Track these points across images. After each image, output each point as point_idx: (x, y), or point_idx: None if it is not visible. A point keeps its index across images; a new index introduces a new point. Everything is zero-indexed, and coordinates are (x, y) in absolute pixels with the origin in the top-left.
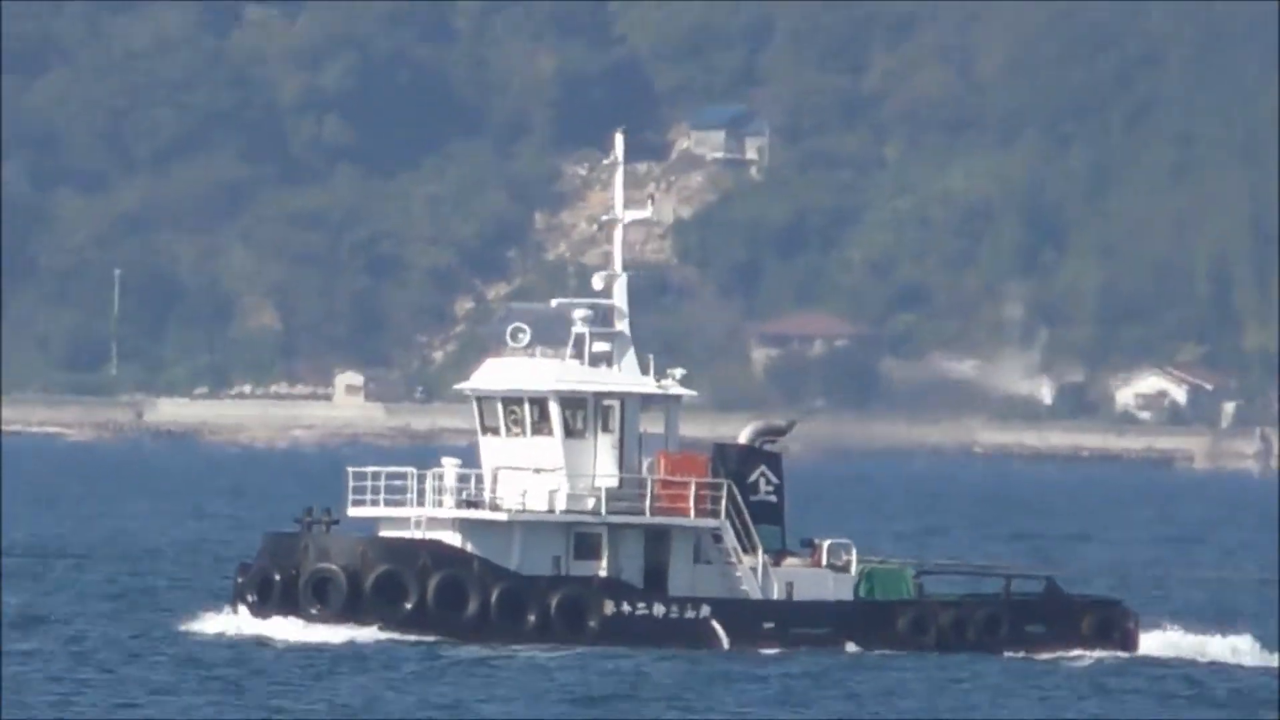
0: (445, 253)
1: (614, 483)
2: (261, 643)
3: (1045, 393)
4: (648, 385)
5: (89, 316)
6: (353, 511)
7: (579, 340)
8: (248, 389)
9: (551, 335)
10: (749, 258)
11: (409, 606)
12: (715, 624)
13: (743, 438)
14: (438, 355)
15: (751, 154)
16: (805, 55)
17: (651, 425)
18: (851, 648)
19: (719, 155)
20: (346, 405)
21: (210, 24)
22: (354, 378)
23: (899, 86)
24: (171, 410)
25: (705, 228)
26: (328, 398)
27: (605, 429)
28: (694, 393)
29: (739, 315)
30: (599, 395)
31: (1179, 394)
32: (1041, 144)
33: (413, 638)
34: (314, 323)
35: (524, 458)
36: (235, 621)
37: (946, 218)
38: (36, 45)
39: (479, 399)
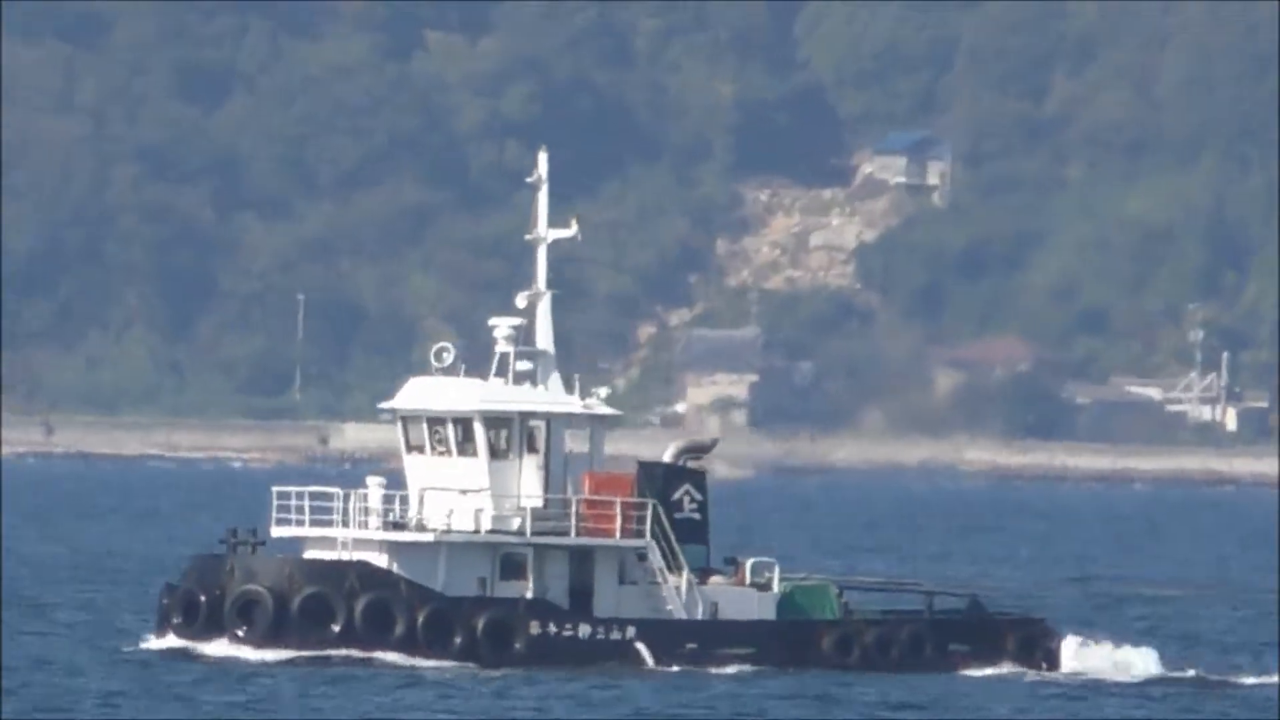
0: (626, 278)
1: (539, 503)
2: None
3: (1228, 418)
4: (573, 405)
5: (273, 341)
6: (277, 531)
7: (503, 359)
8: None
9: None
10: (931, 282)
11: (336, 628)
12: (640, 645)
13: (666, 456)
14: (619, 382)
15: (934, 179)
16: (987, 79)
17: (577, 445)
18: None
19: (901, 180)
20: None
21: (392, 50)
22: None
23: (1080, 109)
24: (355, 435)
25: (888, 253)
26: None
27: (530, 449)
28: (619, 412)
29: (921, 340)
30: (524, 415)
31: None
32: (1222, 165)
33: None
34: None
35: (449, 478)
36: (163, 643)
37: (1127, 241)
38: (220, 72)
39: (404, 418)
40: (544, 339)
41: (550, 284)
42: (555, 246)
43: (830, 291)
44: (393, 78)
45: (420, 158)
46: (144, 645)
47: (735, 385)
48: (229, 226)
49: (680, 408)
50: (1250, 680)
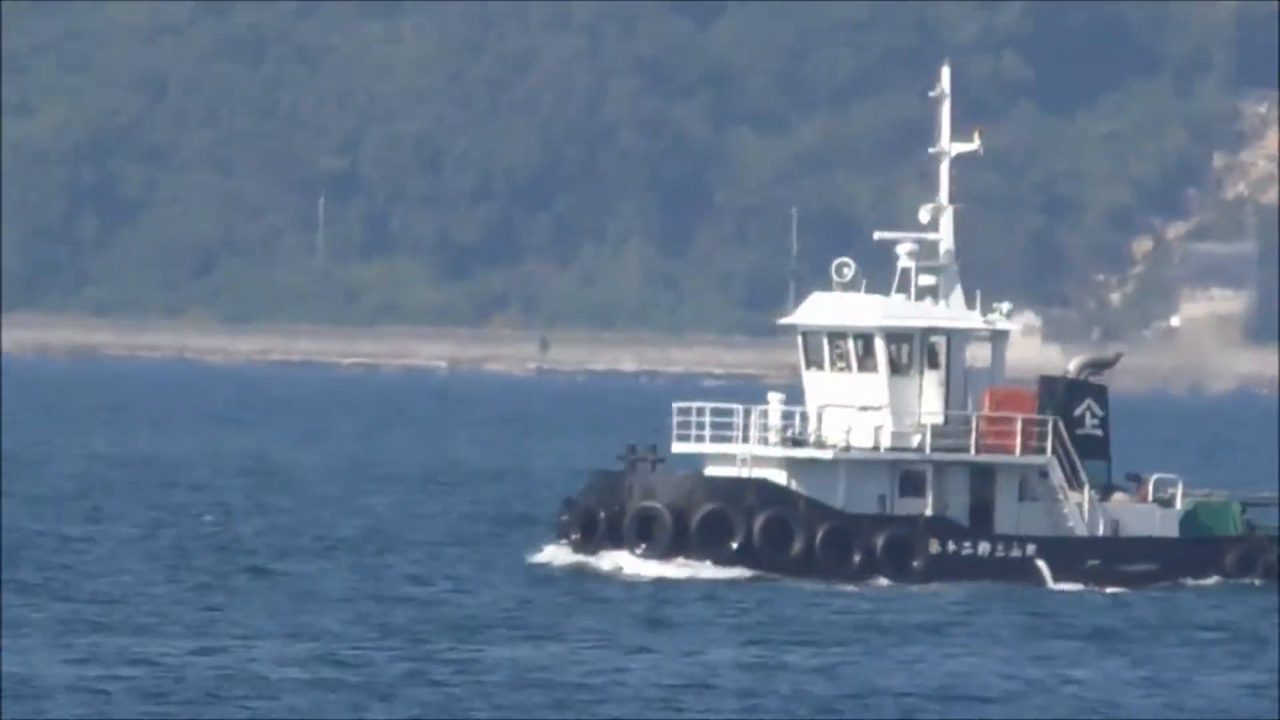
0: (1123, 191)
1: (940, 420)
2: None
3: None
4: (974, 320)
5: (767, 256)
6: (677, 448)
7: (904, 275)
8: None
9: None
10: None
11: (735, 545)
12: (1040, 563)
13: (1069, 370)
14: (1114, 296)
15: None
16: None
17: (978, 360)
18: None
19: None
20: (1024, 346)
21: None
22: (1031, 318)
23: None
24: None
25: None
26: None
27: (931, 365)
28: (1019, 327)
29: None
30: (925, 331)
31: None
32: None
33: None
34: (991, 263)
35: (849, 394)
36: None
37: None
38: None
39: (804, 334)
40: (946, 254)
41: (954, 198)
42: (1050, 160)
43: None
44: None
45: (917, 71)
46: (540, 559)
47: (1231, 301)
48: (724, 140)
49: (1175, 322)
50: None
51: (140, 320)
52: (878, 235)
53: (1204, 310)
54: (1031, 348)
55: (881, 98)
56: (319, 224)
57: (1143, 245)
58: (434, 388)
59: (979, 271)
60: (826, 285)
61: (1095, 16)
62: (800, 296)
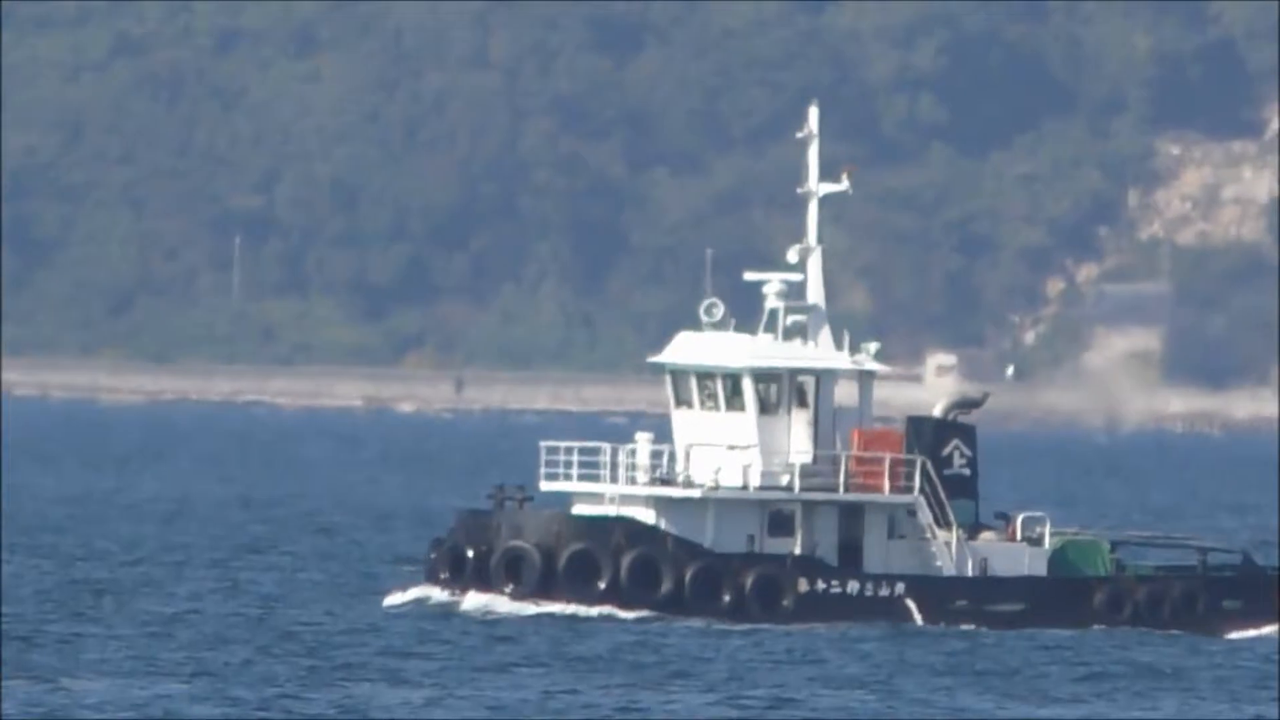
0: (1038, 231)
1: (808, 459)
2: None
3: None
4: (842, 360)
5: (683, 296)
6: (545, 486)
7: (772, 315)
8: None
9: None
10: None
11: (602, 585)
12: (909, 602)
13: (936, 410)
14: (1028, 336)
15: None
16: None
17: (845, 400)
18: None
19: None
20: (937, 386)
21: (805, 6)
22: (945, 358)
23: None
24: None
25: None
26: (918, 378)
27: (800, 405)
28: (888, 368)
29: None
30: (793, 371)
31: None
32: None
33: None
34: (906, 302)
35: (717, 434)
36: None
37: None
38: (632, 25)
39: (673, 373)
40: (815, 294)
41: (821, 239)
42: (965, 200)
43: (1243, 246)
44: (805, 30)
45: (832, 110)
46: (401, 599)
47: (1146, 340)
48: (640, 180)
49: (1090, 360)
50: None
51: (54, 359)
52: (747, 275)
53: (1120, 349)
54: (947, 387)
55: (797, 138)
56: (234, 263)
57: (1056, 285)
58: (344, 428)
59: (895, 311)
60: (745, 325)
61: (1012, 55)
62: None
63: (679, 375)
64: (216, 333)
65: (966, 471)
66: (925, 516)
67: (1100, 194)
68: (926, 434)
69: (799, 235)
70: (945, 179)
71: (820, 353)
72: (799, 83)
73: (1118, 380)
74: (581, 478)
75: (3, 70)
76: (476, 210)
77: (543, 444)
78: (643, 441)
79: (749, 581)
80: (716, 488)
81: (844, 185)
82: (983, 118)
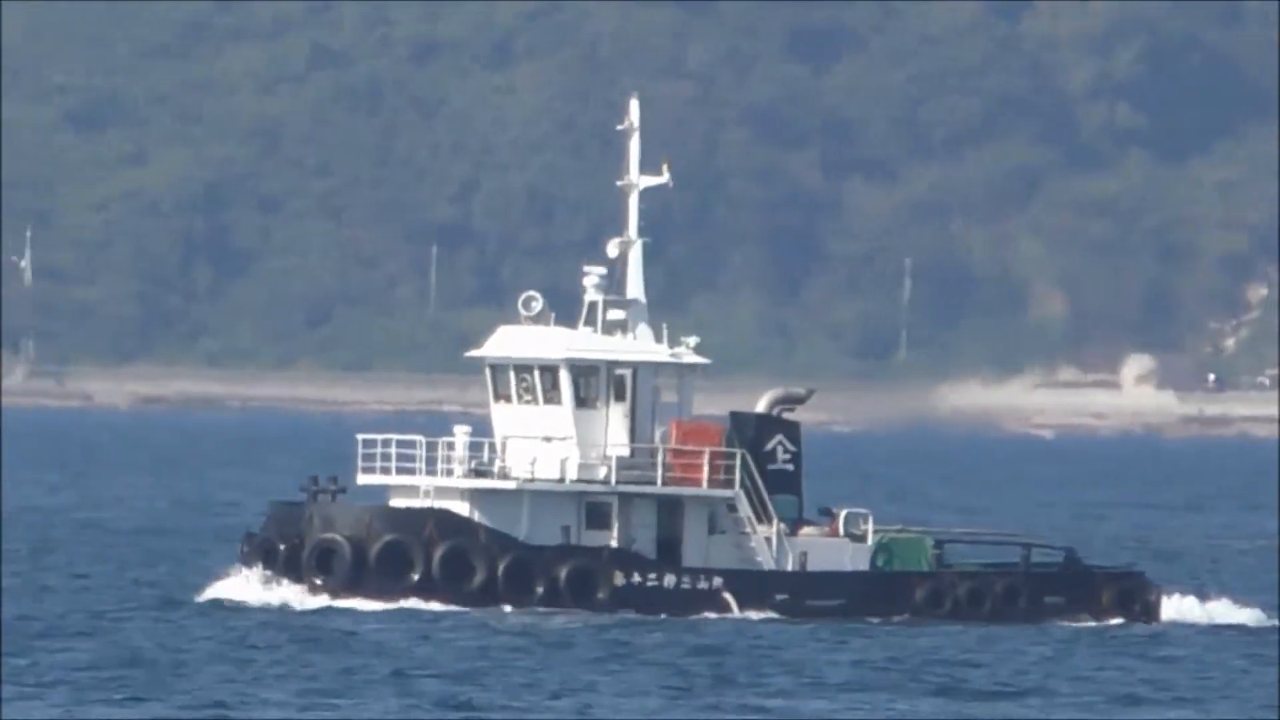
0: (1238, 237)
1: (626, 452)
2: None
3: None
4: (661, 354)
5: (879, 304)
6: (362, 479)
7: (592, 308)
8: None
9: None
10: None
11: (414, 577)
12: (727, 595)
13: (760, 406)
14: (1229, 342)
15: None
16: None
17: (666, 394)
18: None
19: None
20: (1135, 393)
21: (1003, 10)
22: (1143, 364)
23: None
24: (958, 398)
25: None
26: (1116, 385)
27: (618, 398)
28: (708, 361)
29: None
30: (611, 364)
31: None
32: None
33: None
34: (1103, 310)
35: (535, 426)
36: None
37: None
38: (830, 33)
39: (491, 366)
40: (634, 288)
41: (642, 232)
42: (1163, 207)
43: None
44: (1002, 38)
45: (1030, 118)
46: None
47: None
48: (837, 188)
49: None
50: None
51: (253, 371)
52: (584, 269)
53: None
54: (1146, 393)
55: (995, 145)
56: (431, 273)
57: (1258, 291)
58: None
59: (1092, 318)
60: (941, 334)
61: (1210, 60)
62: (912, 344)
63: (497, 369)
64: (414, 342)
65: (790, 467)
66: (745, 510)
67: None
68: (748, 429)
69: (998, 242)
70: (1143, 186)
71: (638, 345)
72: (997, 90)
73: None
74: (399, 471)
75: (201, 83)
76: (671, 220)
77: (359, 436)
78: (460, 434)
79: (563, 574)
80: (532, 479)
81: (664, 178)
82: (1180, 124)
